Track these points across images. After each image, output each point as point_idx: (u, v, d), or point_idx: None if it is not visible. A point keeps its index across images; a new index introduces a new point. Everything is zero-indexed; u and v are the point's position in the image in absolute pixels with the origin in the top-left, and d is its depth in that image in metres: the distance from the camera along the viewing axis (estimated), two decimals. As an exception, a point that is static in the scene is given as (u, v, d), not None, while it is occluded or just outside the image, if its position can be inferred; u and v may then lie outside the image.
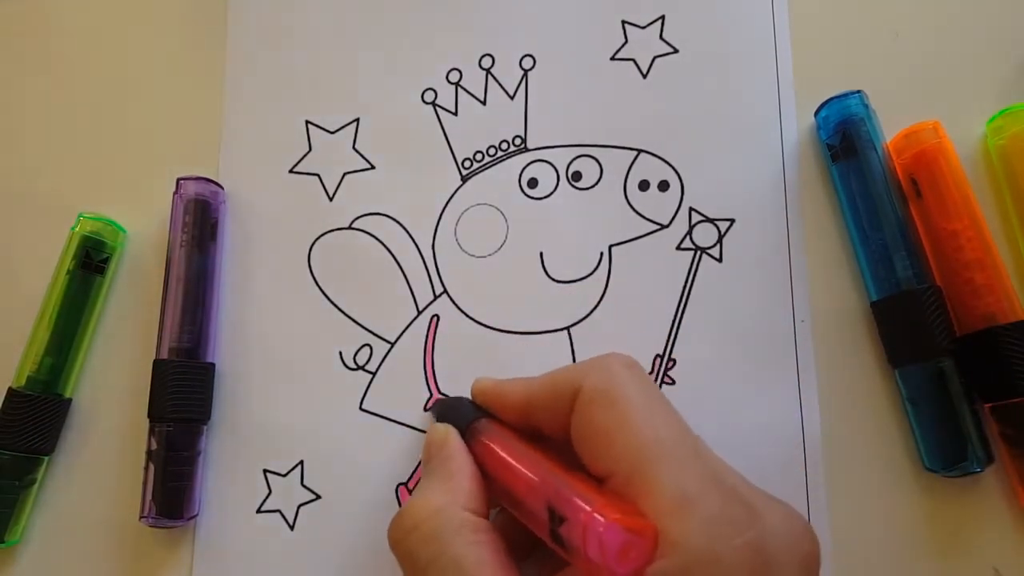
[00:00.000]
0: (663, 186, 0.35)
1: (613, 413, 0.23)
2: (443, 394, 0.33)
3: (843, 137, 0.32)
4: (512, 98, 0.37)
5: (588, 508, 0.20)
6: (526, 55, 0.37)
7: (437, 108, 0.37)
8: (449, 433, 0.27)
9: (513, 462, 0.24)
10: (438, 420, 0.30)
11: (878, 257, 0.31)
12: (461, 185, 0.36)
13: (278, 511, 0.33)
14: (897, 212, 0.31)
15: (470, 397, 0.30)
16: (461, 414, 0.28)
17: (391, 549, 0.24)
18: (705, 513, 0.20)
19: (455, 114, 0.37)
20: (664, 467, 0.21)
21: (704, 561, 0.19)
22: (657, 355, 0.33)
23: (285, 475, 0.34)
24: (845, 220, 0.33)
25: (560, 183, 0.35)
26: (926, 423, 0.30)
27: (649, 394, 0.24)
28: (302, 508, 0.33)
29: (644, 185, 0.35)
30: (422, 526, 0.23)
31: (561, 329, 0.34)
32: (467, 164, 0.36)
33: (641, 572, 0.19)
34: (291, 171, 0.37)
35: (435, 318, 0.35)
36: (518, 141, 0.36)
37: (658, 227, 0.34)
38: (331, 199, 0.37)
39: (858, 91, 0.33)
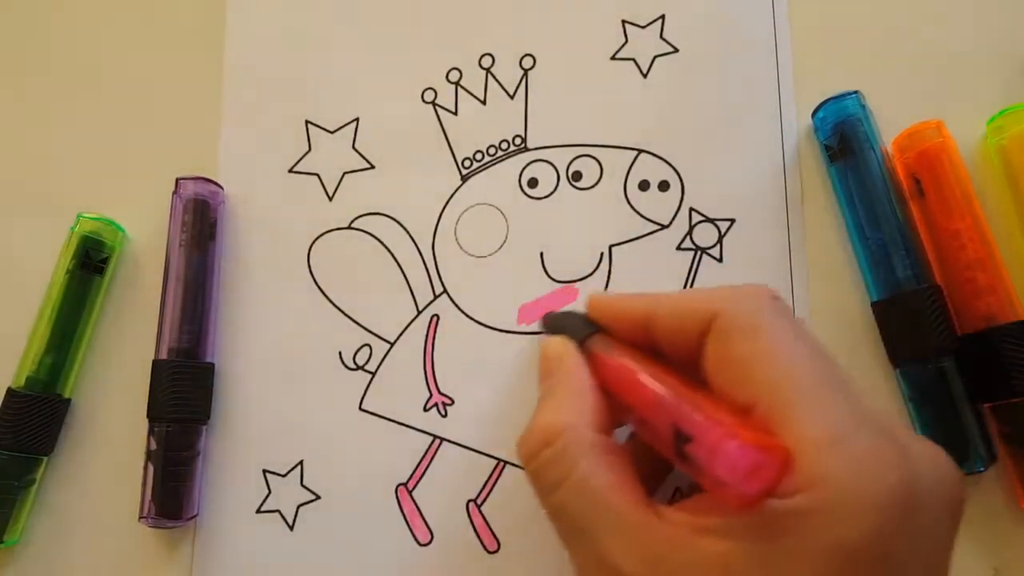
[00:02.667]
0: (663, 186, 0.35)
1: (756, 344, 0.21)
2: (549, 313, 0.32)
3: (840, 138, 0.32)
4: (512, 98, 0.37)
5: (717, 428, 0.20)
6: (526, 55, 0.37)
7: (437, 108, 0.37)
8: (567, 347, 0.26)
9: (636, 379, 0.24)
10: (550, 334, 0.29)
11: (878, 257, 0.31)
12: (461, 185, 0.36)
13: (278, 511, 0.33)
14: (896, 212, 0.31)
15: (583, 311, 0.29)
16: (576, 328, 0.27)
17: (523, 466, 0.24)
18: (853, 449, 0.19)
19: (455, 114, 0.37)
20: (809, 401, 0.20)
21: (851, 500, 0.18)
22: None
23: (285, 475, 0.34)
24: (845, 220, 0.33)
25: (560, 183, 0.35)
26: (927, 423, 0.30)
27: (795, 329, 0.22)
28: (302, 508, 0.33)
29: (644, 185, 0.35)
30: (551, 445, 0.23)
31: (561, 329, 0.34)
32: (467, 164, 0.36)
33: (770, 491, 0.18)
34: (291, 171, 0.37)
35: (435, 318, 0.35)
36: (518, 141, 0.36)
37: (658, 227, 0.34)
38: (331, 199, 0.36)
39: (855, 91, 0.33)
